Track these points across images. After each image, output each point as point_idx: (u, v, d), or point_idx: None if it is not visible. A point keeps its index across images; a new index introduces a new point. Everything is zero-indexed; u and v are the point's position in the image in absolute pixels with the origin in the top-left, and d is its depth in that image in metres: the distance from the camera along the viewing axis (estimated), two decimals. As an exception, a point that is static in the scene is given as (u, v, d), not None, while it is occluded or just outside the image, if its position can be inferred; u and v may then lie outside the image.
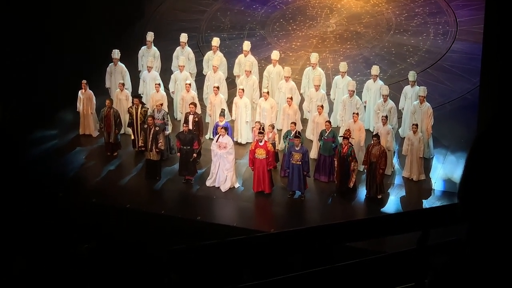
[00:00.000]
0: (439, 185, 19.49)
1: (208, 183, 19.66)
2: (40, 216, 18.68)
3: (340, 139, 19.28)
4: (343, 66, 21.46)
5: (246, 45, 22.41)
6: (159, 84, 21.42)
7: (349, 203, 19.14)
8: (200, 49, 24.74)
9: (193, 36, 25.18)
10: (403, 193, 19.33)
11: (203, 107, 21.71)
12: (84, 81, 21.38)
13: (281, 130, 20.61)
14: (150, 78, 21.86)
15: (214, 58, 22.15)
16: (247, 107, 20.91)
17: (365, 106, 20.94)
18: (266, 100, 20.67)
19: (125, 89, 21.66)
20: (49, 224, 18.41)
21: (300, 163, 18.85)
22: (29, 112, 21.63)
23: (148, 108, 20.79)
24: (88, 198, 19.40)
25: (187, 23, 26.27)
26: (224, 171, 19.45)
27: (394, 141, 19.96)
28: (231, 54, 23.59)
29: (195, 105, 20.43)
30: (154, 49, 22.74)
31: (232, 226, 18.49)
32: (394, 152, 20.13)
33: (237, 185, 19.63)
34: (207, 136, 21.12)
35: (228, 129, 19.82)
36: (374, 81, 21.10)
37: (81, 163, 20.83)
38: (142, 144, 19.95)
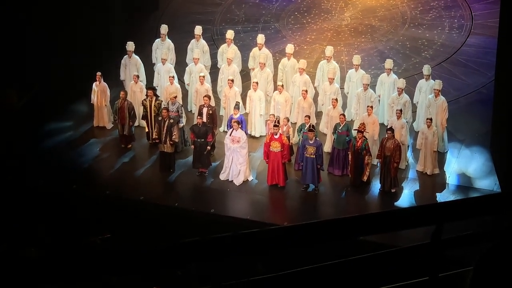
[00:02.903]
0: (453, 179, 19.43)
1: (222, 177, 19.66)
2: (53, 207, 18.75)
3: (354, 133, 19.24)
4: (356, 59, 21.37)
5: (260, 38, 22.35)
6: (173, 77, 21.41)
7: (363, 196, 19.12)
8: (214, 41, 24.73)
9: (208, 28, 25.17)
10: (417, 187, 19.29)
11: (217, 100, 21.71)
12: (98, 73, 21.39)
13: (295, 123, 20.57)
14: (164, 70, 21.86)
15: (229, 51, 22.12)
16: (261, 100, 20.89)
17: (379, 100, 20.88)
18: (280, 93, 20.64)
19: (140, 81, 21.67)
20: (63, 215, 18.48)
21: (314, 156, 18.83)
22: (44, 104, 21.71)
23: (162, 101, 20.79)
24: (102, 190, 19.45)
25: (202, 16, 26.25)
26: (237, 165, 19.43)
27: (408, 135, 19.90)
28: (245, 47, 23.57)
29: (209, 97, 20.43)
30: (168, 41, 22.73)
31: (246, 219, 18.51)
32: (408, 146, 20.08)
33: (250, 178, 19.63)
34: (221, 129, 21.12)
35: (242, 122, 19.81)
36: (388, 75, 21.03)
37: (95, 155, 20.87)
38: (156, 136, 19.97)
